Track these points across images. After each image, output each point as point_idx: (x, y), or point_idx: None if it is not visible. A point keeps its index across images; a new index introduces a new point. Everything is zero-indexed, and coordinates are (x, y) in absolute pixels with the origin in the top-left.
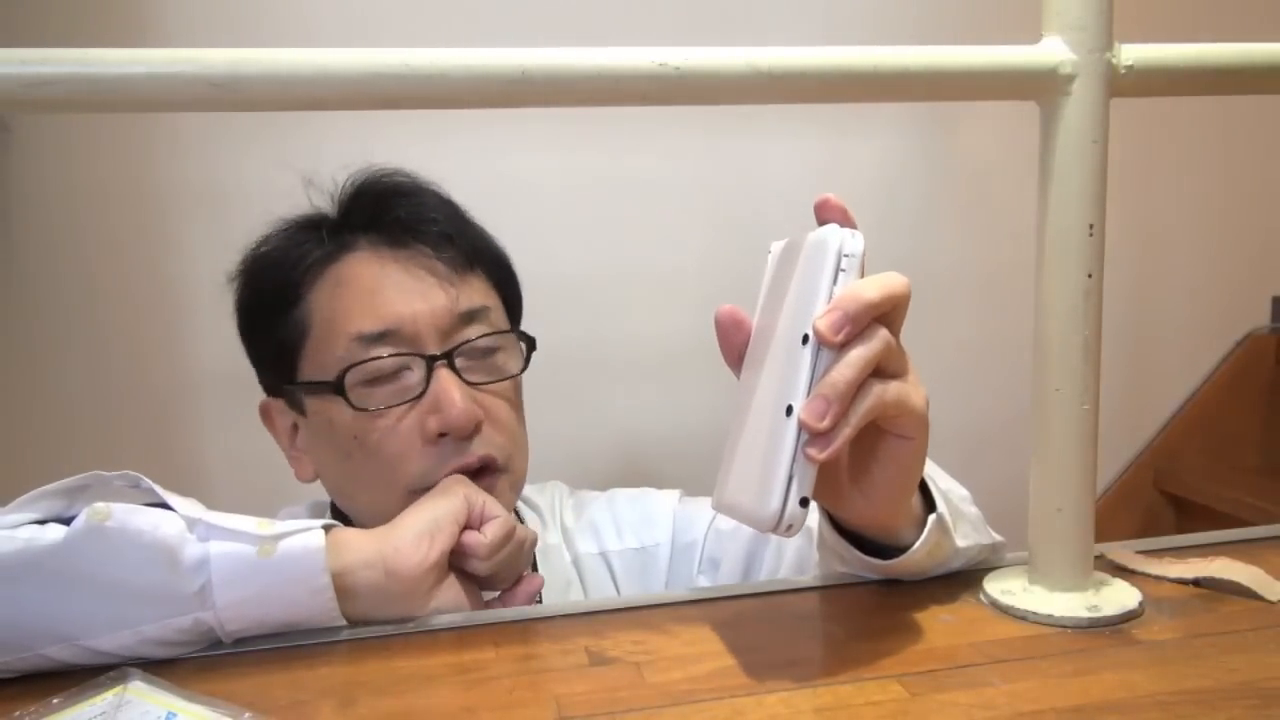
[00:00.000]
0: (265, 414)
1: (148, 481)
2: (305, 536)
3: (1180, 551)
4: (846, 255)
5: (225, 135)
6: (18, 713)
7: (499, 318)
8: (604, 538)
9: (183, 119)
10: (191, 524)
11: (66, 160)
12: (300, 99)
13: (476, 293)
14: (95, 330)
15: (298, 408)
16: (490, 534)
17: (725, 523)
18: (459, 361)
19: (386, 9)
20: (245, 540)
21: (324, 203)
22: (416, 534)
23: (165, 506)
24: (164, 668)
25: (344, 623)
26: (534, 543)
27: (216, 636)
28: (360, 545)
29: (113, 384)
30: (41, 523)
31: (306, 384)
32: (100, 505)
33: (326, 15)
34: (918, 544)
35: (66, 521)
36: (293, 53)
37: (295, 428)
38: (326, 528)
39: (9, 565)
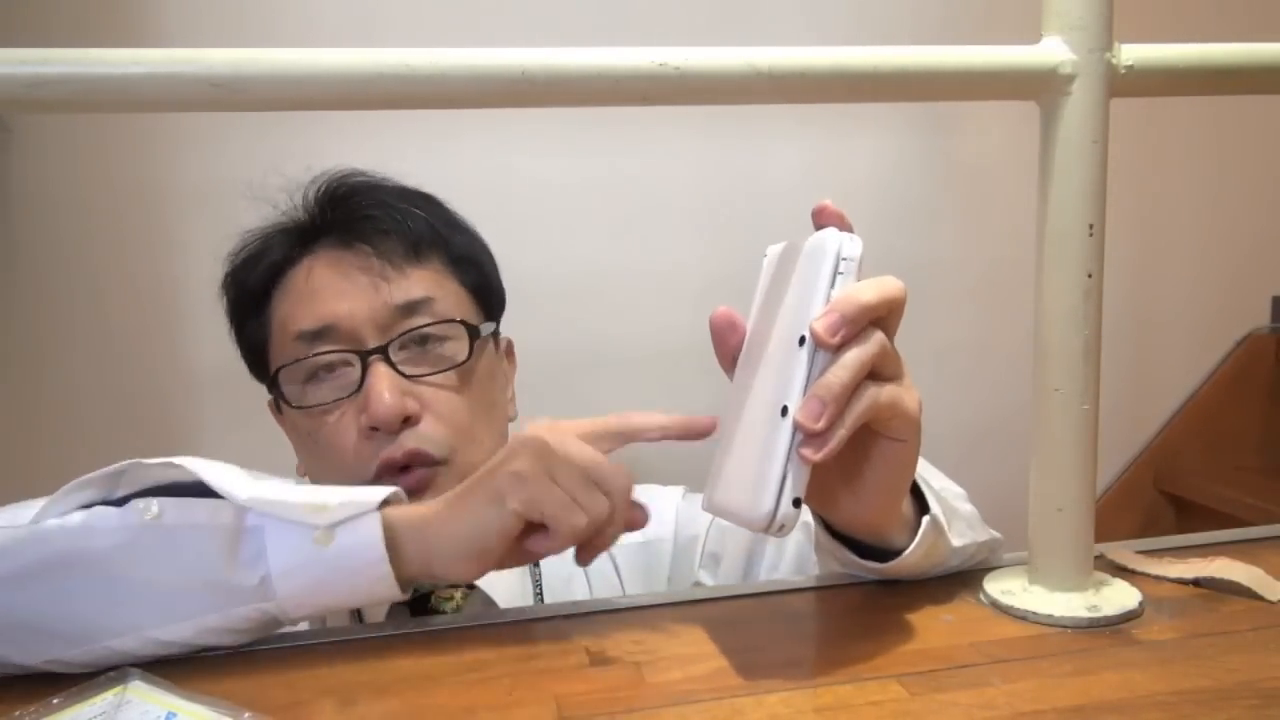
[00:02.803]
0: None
1: (188, 462)
2: (362, 527)
3: (1180, 551)
4: (845, 259)
5: (226, 135)
6: (17, 713)
7: (448, 307)
8: None
9: (184, 119)
10: (243, 514)
11: (67, 160)
12: (300, 99)
13: (419, 284)
14: (96, 330)
15: (278, 407)
16: (559, 545)
17: None
18: (399, 354)
19: (387, 9)
20: (300, 531)
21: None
22: (463, 555)
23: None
24: (164, 668)
25: (405, 596)
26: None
27: (281, 622)
28: (410, 553)
29: (113, 384)
30: (87, 506)
31: (270, 383)
32: (149, 503)
33: (326, 15)
34: (912, 546)
35: (112, 504)
36: (293, 53)
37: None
38: (381, 504)
39: (68, 561)
